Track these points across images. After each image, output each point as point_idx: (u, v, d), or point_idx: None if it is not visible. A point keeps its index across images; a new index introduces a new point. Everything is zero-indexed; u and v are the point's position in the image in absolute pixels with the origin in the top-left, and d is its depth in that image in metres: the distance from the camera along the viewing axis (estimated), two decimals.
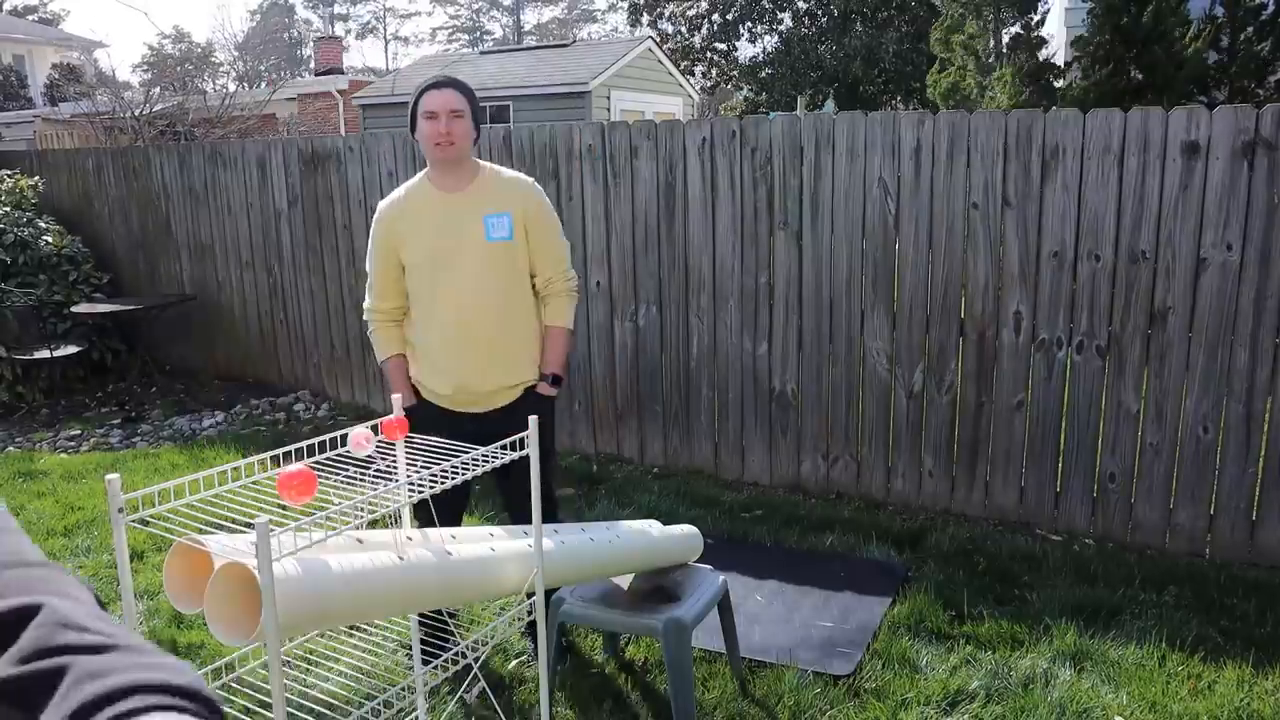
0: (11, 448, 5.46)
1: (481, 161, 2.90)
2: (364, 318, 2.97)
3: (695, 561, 2.88)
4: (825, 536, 3.92)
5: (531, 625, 3.00)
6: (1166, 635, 3.06)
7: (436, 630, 2.71)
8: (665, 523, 2.84)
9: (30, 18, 37.34)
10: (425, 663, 2.51)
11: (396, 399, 2.12)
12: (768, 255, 4.34)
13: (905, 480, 4.22)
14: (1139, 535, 3.80)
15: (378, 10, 62.44)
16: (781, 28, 25.02)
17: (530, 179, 2.92)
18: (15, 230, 6.46)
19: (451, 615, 2.93)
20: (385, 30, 61.42)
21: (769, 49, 25.25)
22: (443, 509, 2.71)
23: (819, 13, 24.31)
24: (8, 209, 6.60)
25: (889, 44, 22.27)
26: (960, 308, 4.00)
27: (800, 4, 24.55)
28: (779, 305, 4.36)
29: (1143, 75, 10.42)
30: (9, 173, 6.98)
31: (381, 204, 2.89)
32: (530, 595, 2.07)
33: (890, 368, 4.18)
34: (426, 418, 2.83)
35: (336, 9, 59.00)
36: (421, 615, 2.59)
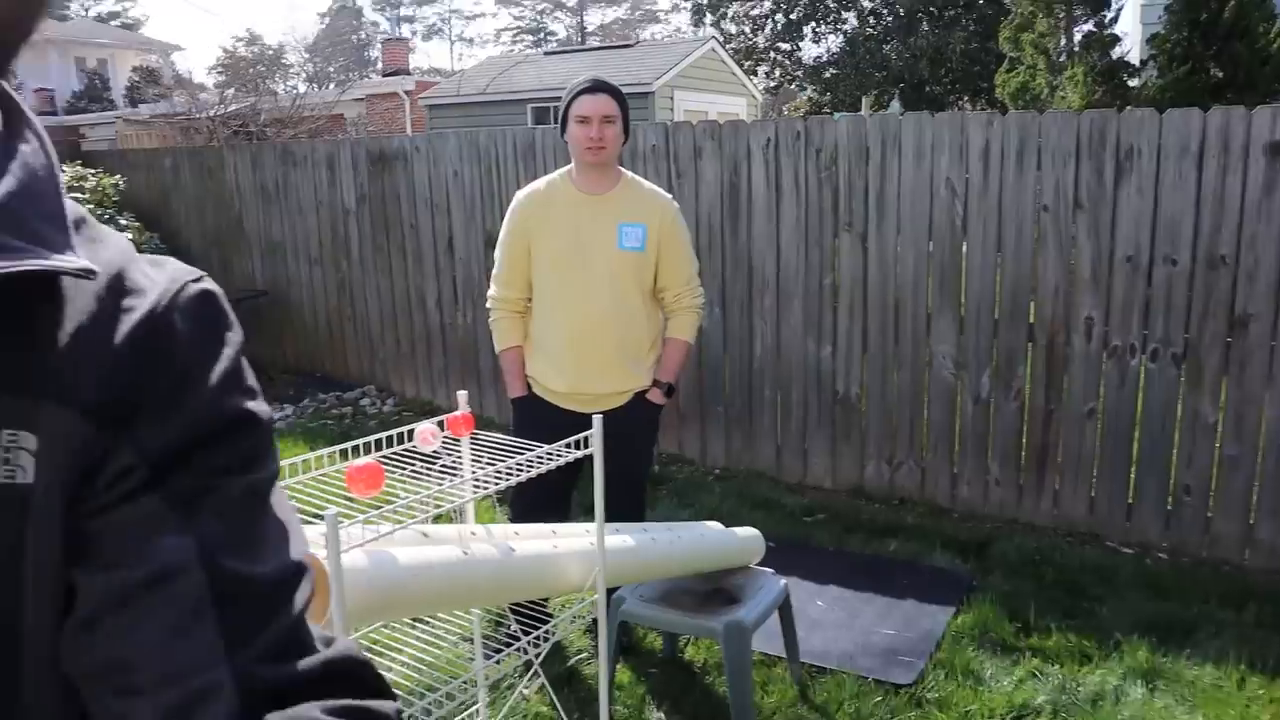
0: None
1: (623, 169, 2.92)
2: (487, 305, 3.01)
3: (756, 564, 2.86)
4: (888, 543, 3.87)
5: (593, 623, 3.01)
6: (1246, 656, 2.94)
7: (525, 617, 2.72)
8: (727, 524, 2.83)
9: (113, 23, 38.63)
10: (487, 657, 2.53)
11: (462, 395, 2.14)
12: (832, 257, 4.30)
13: (971, 487, 4.15)
14: (1216, 550, 3.67)
15: (444, 12, 63.35)
16: (846, 27, 24.78)
17: (669, 195, 2.95)
18: None
19: (544, 602, 2.93)
20: (451, 32, 62.29)
21: (833, 49, 25.02)
22: (545, 505, 2.74)
23: (884, 12, 24.01)
24: (91, 207, 6.83)
25: (956, 43, 21.91)
26: (1029, 312, 3.92)
27: (865, 3, 24.28)
28: (843, 307, 4.31)
29: (1223, 73, 10.10)
30: (92, 172, 7.22)
31: (520, 193, 2.93)
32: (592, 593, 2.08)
33: (956, 372, 4.10)
34: (534, 411, 2.91)
35: (403, 11, 59.97)
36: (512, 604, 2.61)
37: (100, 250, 0.57)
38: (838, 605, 3.38)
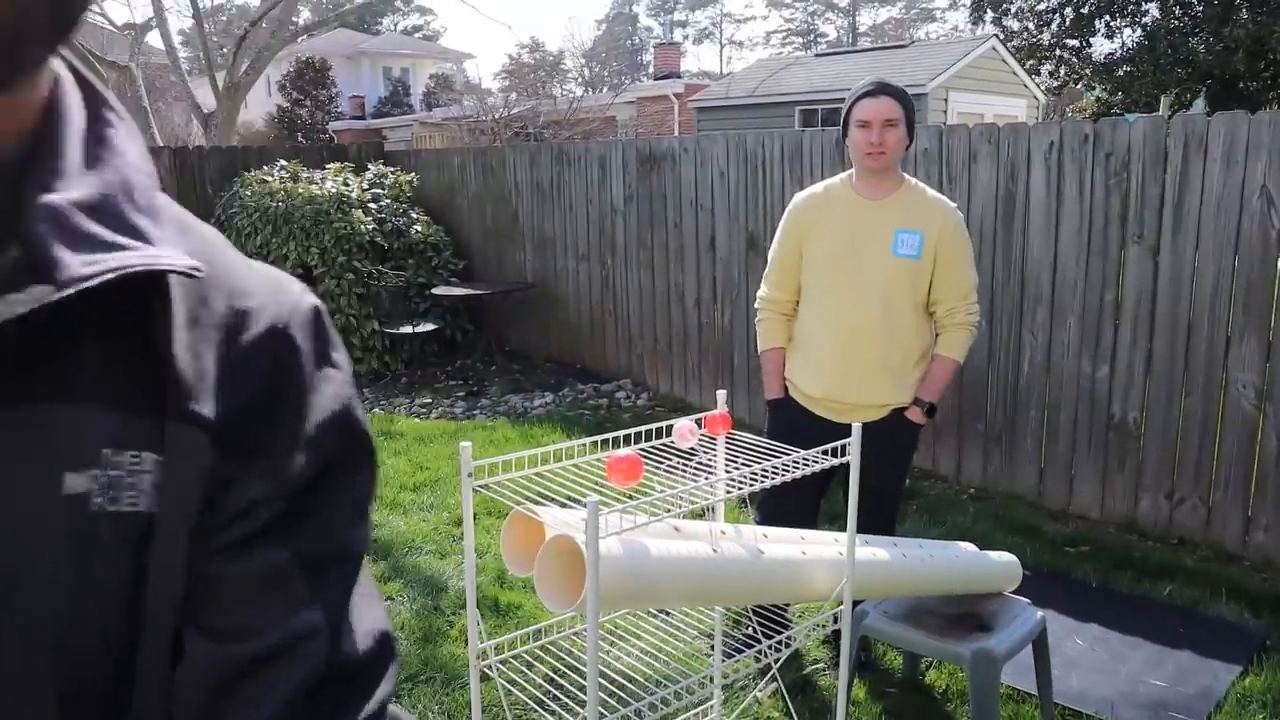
0: (378, 409, 6.24)
1: (907, 175, 2.86)
2: (755, 305, 3.04)
3: (1011, 593, 2.71)
4: (1162, 585, 3.53)
5: (832, 634, 2.96)
6: None
7: (765, 620, 2.73)
8: (981, 547, 2.70)
9: (416, 35, 42.49)
10: (726, 656, 2.56)
11: (721, 394, 2.18)
12: (1116, 270, 3.97)
13: (1268, 533, 3.70)
14: None
15: (715, 16, 64.23)
16: (1146, 20, 22.70)
17: (953, 204, 2.83)
18: (393, 219, 7.37)
19: (784, 607, 2.94)
20: (721, 35, 63.08)
21: (1129, 44, 23.00)
22: (794, 510, 2.75)
23: (1194, 1, 21.76)
24: (389, 201, 7.53)
25: None
26: None
27: None
28: (1125, 325, 3.97)
29: None
30: (392, 170, 7.95)
31: (798, 195, 2.95)
32: (837, 604, 2.05)
33: (1259, 404, 3.67)
34: (789, 414, 2.90)
35: (676, 16, 61.44)
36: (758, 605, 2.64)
37: (193, 241, 0.50)
38: (1099, 646, 3.13)
